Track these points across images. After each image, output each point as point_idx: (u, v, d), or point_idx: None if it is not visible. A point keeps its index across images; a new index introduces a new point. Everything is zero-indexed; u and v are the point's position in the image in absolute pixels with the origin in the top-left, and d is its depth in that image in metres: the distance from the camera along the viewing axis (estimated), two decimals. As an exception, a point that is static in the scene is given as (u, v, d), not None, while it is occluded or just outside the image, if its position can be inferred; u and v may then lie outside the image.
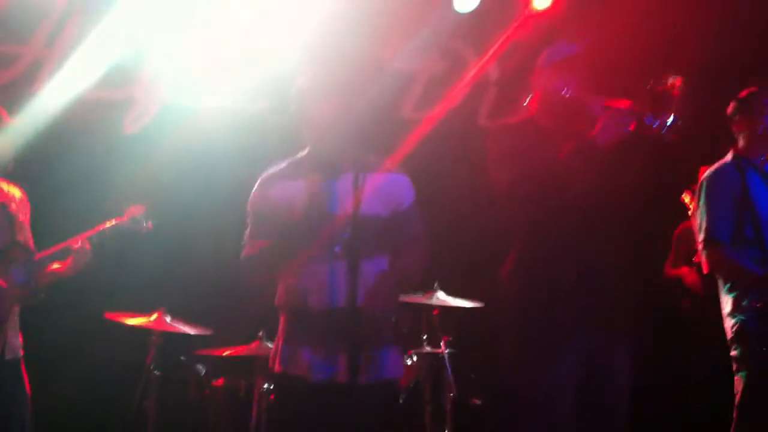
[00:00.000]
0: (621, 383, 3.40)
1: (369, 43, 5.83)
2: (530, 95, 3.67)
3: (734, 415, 3.82)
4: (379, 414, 3.09)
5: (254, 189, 3.27)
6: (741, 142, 4.04)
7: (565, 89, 3.48)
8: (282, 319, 3.23)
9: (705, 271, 4.01)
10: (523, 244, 3.54)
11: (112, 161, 5.42)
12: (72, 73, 5.44)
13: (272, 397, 3.50)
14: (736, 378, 3.84)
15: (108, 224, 4.04)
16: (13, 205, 3.90)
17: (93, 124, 5.58)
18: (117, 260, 4.11)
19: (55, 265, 3.94)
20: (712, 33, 5.64)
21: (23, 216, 3.94)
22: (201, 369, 5.01)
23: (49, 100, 5.32)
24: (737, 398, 3.81)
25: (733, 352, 3.85)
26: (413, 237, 3.24)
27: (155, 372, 4.78)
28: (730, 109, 4.07)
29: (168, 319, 4.78)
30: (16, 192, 3.98)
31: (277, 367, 3.17)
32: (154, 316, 4.78)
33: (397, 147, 4.68)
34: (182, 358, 5.01)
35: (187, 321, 4.81)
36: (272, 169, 3.28)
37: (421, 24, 6.03)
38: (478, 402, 4.88)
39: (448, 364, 4.91)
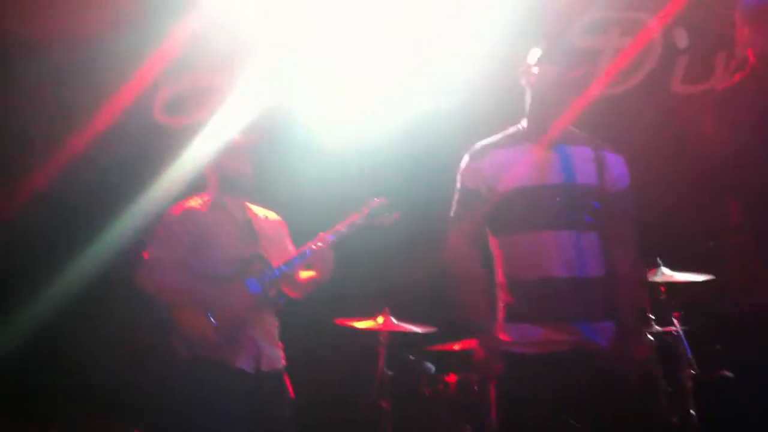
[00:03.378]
0: None
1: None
2: (743, 55, 3.45)
3: None
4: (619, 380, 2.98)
5: (464, 161, 3.23)
6: None
7: None
8: (502, 295, 3.14)
9: None
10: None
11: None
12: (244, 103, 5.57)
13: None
14: None
15: (347, 221, 4.05)
16: (258, 223, 4.10)
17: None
18: (348, 261, 4.09)
19: (304, 274, 4.06)
20: None
21: (273, 233, 4.12)
22: (430, 367, 5.06)
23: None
24: None
25: None
26: (628, 218, 3.14)
27: (388, 372, 4.88)
28: None
29: (394, 319, 4.87)
30: (268, 214, 4.19)
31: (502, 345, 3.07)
32: (381, 318, 4.88)
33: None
34: (411, 357, 5.09)
35: (412, 320, 4.87)
36: (483, 142, 3.25)
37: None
38: (728, 374, 4.62)
39: (684, 341, 4.71)
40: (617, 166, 3.17)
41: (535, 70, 3.12)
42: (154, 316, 3.94)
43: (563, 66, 3.07)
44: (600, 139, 3.23)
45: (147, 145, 5.29)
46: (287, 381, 3.97)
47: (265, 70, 5.40)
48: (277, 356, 3.98)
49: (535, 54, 3.16)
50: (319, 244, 3.97)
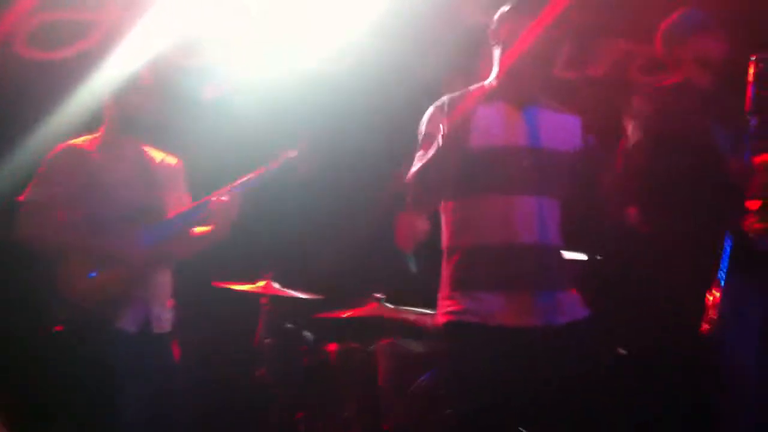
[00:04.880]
0: None
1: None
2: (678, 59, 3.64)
3: None
4: (574, 357, 2.86)
5: (433, 109, 3.03)
6: None
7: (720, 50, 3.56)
8: (454, 260, 2.97)
9: None
10: None
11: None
12: (145, 38, 5.24)
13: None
14: None
15: (256, 173, 3.72)
16: (156, 169, 3.74)
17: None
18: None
19: (198, 228, 3.72)
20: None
21: (170, 180, 3.77)
22: (309, 335, 4.87)
23: (122, 66, 5.13)
24: None
25: None
26: (585, 182, 3.06)
27: (266, 340, 4.66)
28: None
29: (276, 284, 4.64)
30: (165, 157, 3.82)
31: (447, 317, 2.94)
32: (262, 282, 4.64)
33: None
34: (289, 325, 4.87)
35: (296, 287, 4.66)
36: (451, 95, 3.04)
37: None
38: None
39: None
40: (576, 130, 3.08)
41: (510, 22, 2.98)
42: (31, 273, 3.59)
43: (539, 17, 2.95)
44: (558, 101, 3.13)
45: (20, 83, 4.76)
46: (175, 344, 3.69)
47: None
48: (166, 318, 3.66)
49: (508, 7, 3.04)
50: (222, 196, 3.65)
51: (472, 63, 5.81)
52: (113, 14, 5.10)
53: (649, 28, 5.48)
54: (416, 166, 2.97)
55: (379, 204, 5.03)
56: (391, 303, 4.62)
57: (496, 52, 3.06)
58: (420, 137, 3.05)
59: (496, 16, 3.07)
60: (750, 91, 3.35)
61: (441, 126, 2.87)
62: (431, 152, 2.87)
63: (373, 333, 4.62)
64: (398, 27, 5.34)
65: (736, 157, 3.30)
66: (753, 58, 3.39)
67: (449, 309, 2.95)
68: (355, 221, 5.02)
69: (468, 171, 2.89)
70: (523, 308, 2.85)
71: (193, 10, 5.13)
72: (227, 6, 5.23)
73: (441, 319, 2.99)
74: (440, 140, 2.84)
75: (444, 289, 3.00)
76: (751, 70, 3.36)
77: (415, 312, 4.59)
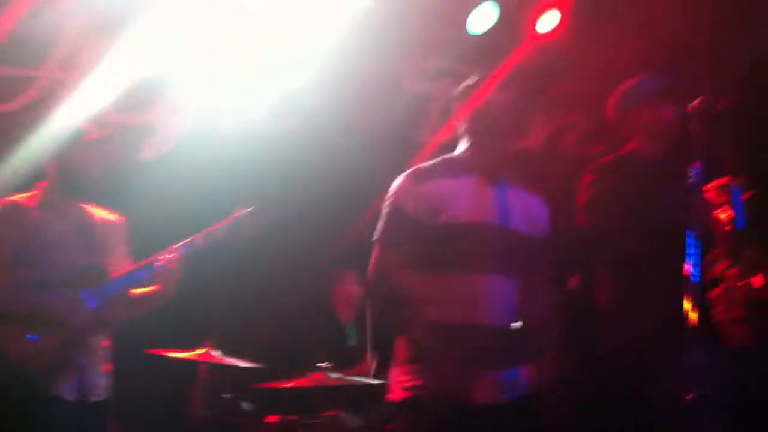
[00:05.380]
0: None
1: (386, 62, 5.65)
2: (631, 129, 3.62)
3: None
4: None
5: (403, 183, 2.91)
6: None
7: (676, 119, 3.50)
8: (414, 335, 2.84)
9: None
10: None
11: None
12: (88, 95, 5.10)
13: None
14: None
15: (204, 233, 3.60)
16: (97, 228, 3.57)
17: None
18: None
19: (140, 290, 3.56)
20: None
21: (111, 239, 3.60)
22: (248, 406, 4.67)
23: (64, 123, 4.96)
24: None
25: None
26: (547, 268, 3.01)
27: (203, 411, 4.43)
28: None
29: (215, 353, 4.44)
30: (106, 215, 3.65)
31: (405, 393, 2.81)
32: (201, 350, 4.43)
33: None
34: (226, 395, 4.66)
35: (238, 355, 4.47)
36: (423, 165, 2.95)
37: (437, 46, 5.89)
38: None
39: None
40: (543, 215, 3.03)
41: (484, 94, 2.93)
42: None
43: (517, 92, 2.92)
44: (527, 182, 3.07)
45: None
46: (110, 413, 3.49)
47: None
48: (102, 384, 3.47)
49: (478, 78, 3.00)
50: (169, 257, 3.51)
51: (415, 126, 5.91)
52: (56, 71, 4.97)
53: (581, 100, 5.64)
54: (379, 241, 2.89)
55: (326, 268, 4.95)
56: (336, 373, 4.45)
57: (464, 124, 3.00)
58: (385, 208, 2.94)
59: (460, 88, 3.04)
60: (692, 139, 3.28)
61: (408, 198, 2.82)
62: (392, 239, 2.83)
63: (316, 405, 4.44)
64: (344, 85, 5.34)
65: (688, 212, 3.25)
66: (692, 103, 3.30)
67: (408, 385, 2.82)
68: (301, 286, 4.90)
69: (434, 246, 2.80)
70: (485, 386, 2.76)
71: (139, 65, 5.02)
72: (172, 60, 5.13)
73: (398, 395, 2.86)
74: (407, 213, 2.80)
75: (401, 363, 2.88)
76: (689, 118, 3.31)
77: (363, 383, 4.44)
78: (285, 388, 4.42)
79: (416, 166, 2.95)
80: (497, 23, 5.33)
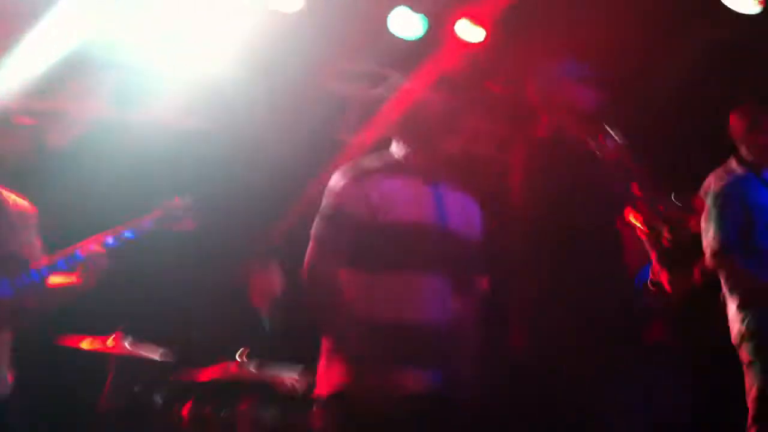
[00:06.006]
0: None
1: (306, 63, 5.66)
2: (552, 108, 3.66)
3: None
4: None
5: (342, 180, 2.88)
6: (744, 152, 4.14)
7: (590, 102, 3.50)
8: (341, 331, 2.82)
9: (700, 280, 4.06)
10: None
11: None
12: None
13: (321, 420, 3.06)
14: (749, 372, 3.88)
15: (133, 223, 3.43)
16: (9, 214, 3.38)
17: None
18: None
19: (57, 279, 3.36)
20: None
21: (24, 226, 3.40)
22: (158, 399, 4.56)
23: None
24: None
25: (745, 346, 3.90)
26: (461, 266, 2.96)
27: (113, 403, 4.32)
28: (733, 119, 4.18)
29: (127, 342, 4.33)
30: (17, 200, 3.45)
31: (331, 388, 2.79)
32: (111, 340, 4.31)
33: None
34: (136, 388, 4.55)
35: (149, 344, 4.36)
36: (362, 164, 2.93)
37: (359, 49, 5.93)
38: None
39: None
40: (477, 216, 3.04)
41: (413, 96, 2.95)
42: None
43: (447, 94, 2.94)
44: (462, 183, 3.07)
45: None
46: (14, 409, 3.27)
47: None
48: (5, 379, 3.25)
49: (402, 80, 3.02)
50: (94, 247, 3.34)
51: (336, 125, 5.92)
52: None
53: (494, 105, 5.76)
54: (315, 236, 2.87)
55: (245, 258, 4.89)
56: (254, 364, 4.40)
57: (395, 125, 3.01)
58: (324, 204, 2.91)
59: (384, 89, 3.06)
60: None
61: (347, 196, 2.81)
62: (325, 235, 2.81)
63: (232, 397, 4.38)
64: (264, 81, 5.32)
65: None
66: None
67: (334, 380, 2.79)
68: (218, 276, 4.83)
69: (371, 245, 2.80)
70: (408, 383, 2.75)
71: (49, 50, 4.88)
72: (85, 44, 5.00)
73: (324, 390, 2.83)
74: (346, 211, 2.80)
75: (328, 359, 2.85)
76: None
77: (281, 375, 4.41)
78: (199, 380, 4.37)
79: (354, 165, 2.94)
80: (419, 28, 5.42)
